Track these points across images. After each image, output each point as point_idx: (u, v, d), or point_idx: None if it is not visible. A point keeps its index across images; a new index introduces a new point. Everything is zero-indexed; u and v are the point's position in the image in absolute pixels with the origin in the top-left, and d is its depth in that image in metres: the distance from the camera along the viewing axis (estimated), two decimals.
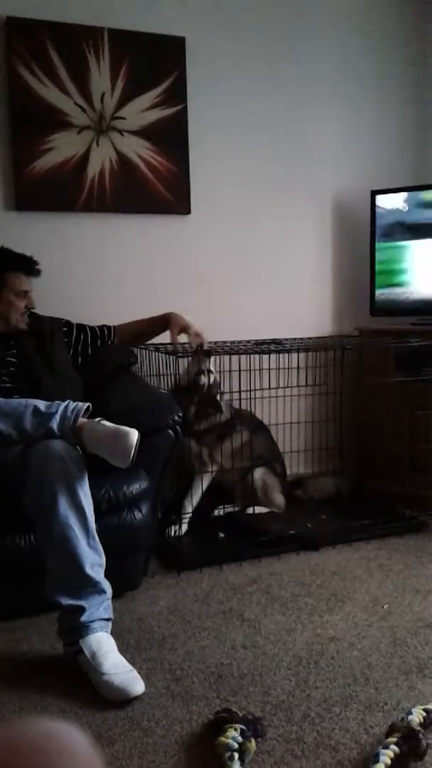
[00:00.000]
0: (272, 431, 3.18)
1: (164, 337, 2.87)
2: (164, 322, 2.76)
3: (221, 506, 3.00)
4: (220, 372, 2.88)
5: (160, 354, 2.82)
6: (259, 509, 2.98)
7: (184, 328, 2.67)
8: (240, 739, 1.46)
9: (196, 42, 3.08)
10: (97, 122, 2.97)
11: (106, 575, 1.88)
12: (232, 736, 1.46)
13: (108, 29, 2.93)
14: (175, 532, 2.77)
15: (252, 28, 3.21)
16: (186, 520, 2.81)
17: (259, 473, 3.00)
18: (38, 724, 0.61)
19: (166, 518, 2.80)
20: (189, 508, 2.84)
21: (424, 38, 3.55)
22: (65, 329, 2.67)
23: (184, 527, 2.80)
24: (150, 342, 2.88)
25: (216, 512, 2.96)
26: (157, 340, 2.89)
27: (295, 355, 3.01)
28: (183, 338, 2.70)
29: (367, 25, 3.43)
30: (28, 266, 2.52)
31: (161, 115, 3.06)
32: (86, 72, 2.93)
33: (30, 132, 2.88)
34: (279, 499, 3.04)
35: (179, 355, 2.70)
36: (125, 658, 1.79)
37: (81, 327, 2.72)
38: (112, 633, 1.85)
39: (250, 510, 2.97)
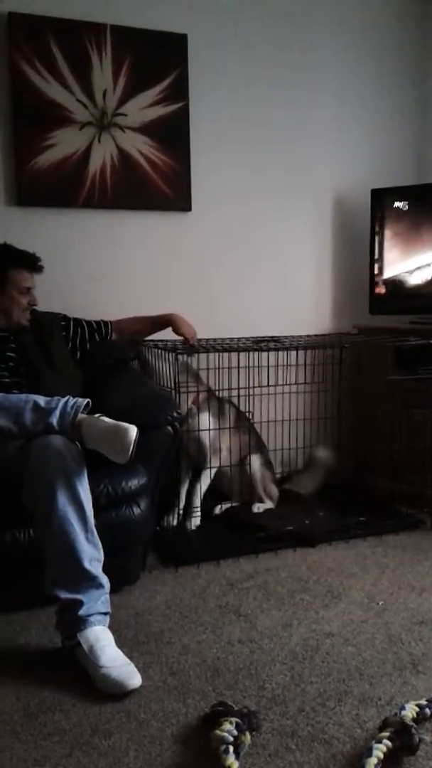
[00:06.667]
0: (271, 428, 3.19)
1: (165, 335, 2.90)
2: (165, 323, 2.81)
3: (222, 503, 3.01)
4: (218, 368, 2.90)
5: (159, 350, 2.83)
6: (260, 506, 3.00)
7: (189, 336, 2.80)
8: (235, 732, 1.48)
9: (198, 39, 3.09)
10: (99, 119, 2.98)
11: (105, 570, 1.90)
12: (228, 729, 1.48)
13: (111, 26, 2.93)
14: (169, 522, 2.82)
15: (253, 26, 3.21)
16: (197, 514, 2.84)
17: (256, 462, 3.01)
18: None
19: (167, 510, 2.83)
20: (197, 501, 2.86)
21: (425, 37, 3.55)
22: (63, 324, 2.70)
23: (196, 521, 2.83)
24: (149, 339, 2.90)
25: (218, 509, 2.98)
26: (157, 336, 2.92)
27: (294, 353, 3.03)
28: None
29: (368, 24, 3.43)
30: (32, 263, 2.53)
31: (163, 113, 3.07)
32: (88, 68, 2.94)
33: (32, 128, 2.88)
34: (274, 490, 3.06)
35: (179, 352, 2.72)
36: (123, 651, 1.81)
37: (78, 322, 2.74)
38: (109, 627, 1.87)
39: (255, 508, 2.98)
